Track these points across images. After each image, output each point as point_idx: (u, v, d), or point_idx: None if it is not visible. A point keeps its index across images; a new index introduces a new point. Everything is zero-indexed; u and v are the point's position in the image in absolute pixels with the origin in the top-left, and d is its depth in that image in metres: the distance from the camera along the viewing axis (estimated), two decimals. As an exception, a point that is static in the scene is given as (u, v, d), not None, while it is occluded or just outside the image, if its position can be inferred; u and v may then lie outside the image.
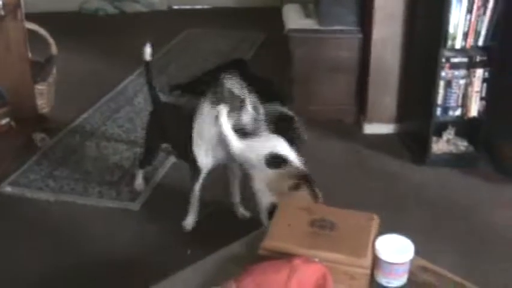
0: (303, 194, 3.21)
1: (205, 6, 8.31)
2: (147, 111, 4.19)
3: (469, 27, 4.06)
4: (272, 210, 3.21)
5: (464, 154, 4.43)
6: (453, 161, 4.41)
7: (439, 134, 4.44)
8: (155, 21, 7.81)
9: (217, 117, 3.32)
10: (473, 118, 4.33)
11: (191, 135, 3.53)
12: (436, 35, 4.11)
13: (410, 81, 4.69)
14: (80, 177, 4.26)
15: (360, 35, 4.84)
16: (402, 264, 1.97)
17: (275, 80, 5.09)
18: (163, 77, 5.87)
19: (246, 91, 3.37)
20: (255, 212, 3.48)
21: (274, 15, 6.04)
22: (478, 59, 4.17)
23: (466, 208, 3.92)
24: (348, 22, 4.87)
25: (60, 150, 4.60)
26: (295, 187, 3.24)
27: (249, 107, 3.37)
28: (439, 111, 4.28)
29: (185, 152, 3.61)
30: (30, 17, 4.83)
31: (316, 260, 1.95)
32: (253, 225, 3.22)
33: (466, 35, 4.08)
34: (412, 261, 1.99)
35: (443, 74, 4.18)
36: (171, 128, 3.83)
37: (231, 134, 3.32)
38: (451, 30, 4.05)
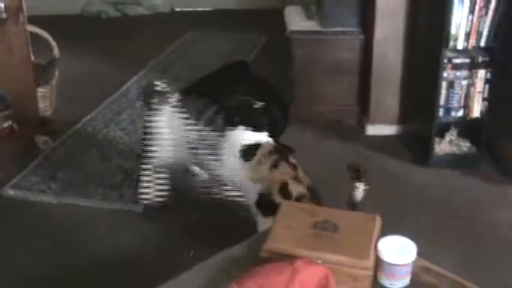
0: (283, 169, 3.27)
1: (208, 9, 8.32)
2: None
3: (471, 28, 4.06)
4: (261, 200, 3.23)
5: (467, 155, 4.43)
6: (455, 162, 4.41)
7: (441, 135, 4.44)
8: (158, 23, 7.82)
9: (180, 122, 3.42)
10: (476, 119, 4.32)
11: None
12: (438, 36, 4.11)
13: (413, 82, 4.69)
14: (82, 180, 4.26)
15: (362, 36, 4.85)
16: (405, 265, 1.96)
17: (277, 81, 5.09)
18: (167, 77, 5.90)
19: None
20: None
21: (276, 17, 6.05)
22: (480, 59, 4.17)
23: (468, 209, 3.92)
24: (350, 23, 4.88)
25: (62, 153, 4.60)
26: (274, 165, 3.29)
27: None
28: (441, 112, 4.28)
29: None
30: (32, 20, 4.84)
31: (319, 261, 1.95)
32: (255, 228, 3.25)
33: (468, 36, 4.08)
34: (414, 262, 1.99)
35: (445, 74, 4.18)
36: None
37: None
38: (453, 30, 4.05)
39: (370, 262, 1.98)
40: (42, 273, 3.41)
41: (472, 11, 4.01)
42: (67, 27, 6.93)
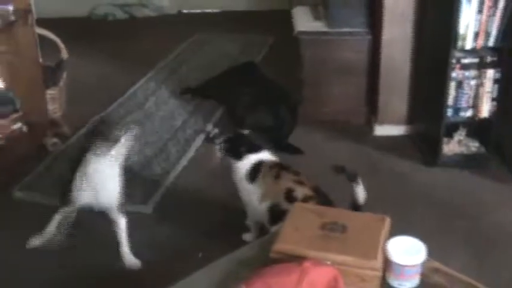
0: (286, 177, 3.36)
1: (215, 10, 8.33)
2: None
3: (479, 28, 4.05)
4: (273, 211, 3.25)
5: (476, 155, 4.42)
6: (464, 162, 4.40)
7: (450, 135, 4.43)
8: (165, 25, 7.83)
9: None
10: (485, 119, 4.31)
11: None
12: (446, 36, 4.10)
13: (421, 82, 4.68)
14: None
15: (369, 37, 4.84)
16: (413, 266, 1.96)
17: (285, 82, 5.10)
18: (174, 79, 5.92)
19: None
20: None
21: (283, 18, 6.05)
22: (488, 59, 4.15)
23: (477, 209, 3.91)
24: (357, 24, 4.88)
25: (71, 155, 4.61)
26: (277, 176, 3.37)
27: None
28: (450, 112, 4.27)
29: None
30: (40, 22, 4.85)
31: (327, 262, 1.95)
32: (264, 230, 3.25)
33: (476, 36, 4.06)
34: (424, 263, 1.99)
35: (454, 74, 4.17)
36: None
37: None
38: (461, 30, 4.03)
39: (378, 263, 1.99)
40: (50, 275, 3.41)
41: (480, 11, 4.00)
42: (75, 30, 6.93)
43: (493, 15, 4.02)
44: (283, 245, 2.07)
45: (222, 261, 2.21)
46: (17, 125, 4.58)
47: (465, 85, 4.21)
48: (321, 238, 2.07)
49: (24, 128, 4.62)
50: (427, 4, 4.48)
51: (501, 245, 3.59)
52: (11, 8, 4.38)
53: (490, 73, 4.18)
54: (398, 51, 4.66)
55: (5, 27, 4.40)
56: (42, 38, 4.84)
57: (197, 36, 7.25)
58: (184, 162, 4.47)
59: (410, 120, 4.84)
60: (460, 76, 4.18)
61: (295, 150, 4.54)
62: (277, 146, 4.23)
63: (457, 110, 4.28)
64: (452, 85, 4.19)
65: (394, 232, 2.12)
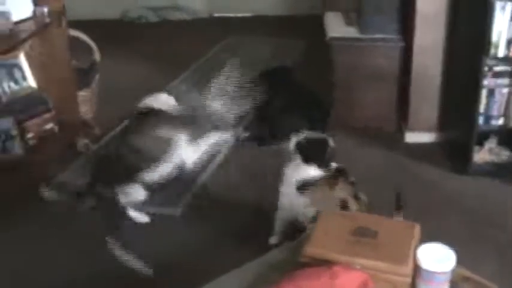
0: (343, 186, 3.35)
1: (247, 14, 8.33)
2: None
3: (512, 36, 4.03)
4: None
5: (507, 164, 4.38)
6: (495, 170, 4.37)
7: (480, 143, 4.40)
8: (197, 28, 7.85)
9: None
10: (516, 128, 4.29)
11: None
12: (478, 43, 4.08)
13: (452, 90, 4.66)
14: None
15: (402, 43, 4.83)
16: (443, 273, 1.96)
17: (317, 87, 5.10)
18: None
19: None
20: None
21: (315, 23, 6.05)
22: (521, 68, 4.14)
23: (507, 218, 3.89)
24: (390, 30, 4.86)
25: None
26: (334, 183, 3.36)
27: None
28: (481, 120, 4.24)
29: None
30: (73, 24, 4.89)
31: (357, 267, 1.96)
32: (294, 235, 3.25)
33: (509, 44, 4.03)
34: (453, 270, 1.99)
35: (485, 82, 4.14)
36: None
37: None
38: (494, 38, 4.01)
39: (408, 269, 1.99)
40: (84, 275, 3.46)
41: (513, 19, 3.98)
42: (107, 32, 6.97)
43: (527, 23, 4.00)
44: (313, 249, 2.08)
45: (252, 264, 2.22)
46: (49, 125, 4.62)
47: (497, 93, 4.19)
48: (352, 243, 2.07)
49: (56, 129, 4.67)
50: (460, 11, 4.46)
51: (531, 254, 3.57)
52: (45, 9, 4.43)
53: (523, 81, 4.16)
54: (430, 57, 4.64)
55: (41, 29, 4.45)
56: (75, 40, 4.88)
57: (229, 39, 7.27)
58: (215, 163, 4.48)
59: (440, 127, 4.82)
60: (492, 84, 4.16)
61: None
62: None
63: (488, 118, 4.25)
64: (484, 93, 4.17)
65: (424, 239, 2.11)
